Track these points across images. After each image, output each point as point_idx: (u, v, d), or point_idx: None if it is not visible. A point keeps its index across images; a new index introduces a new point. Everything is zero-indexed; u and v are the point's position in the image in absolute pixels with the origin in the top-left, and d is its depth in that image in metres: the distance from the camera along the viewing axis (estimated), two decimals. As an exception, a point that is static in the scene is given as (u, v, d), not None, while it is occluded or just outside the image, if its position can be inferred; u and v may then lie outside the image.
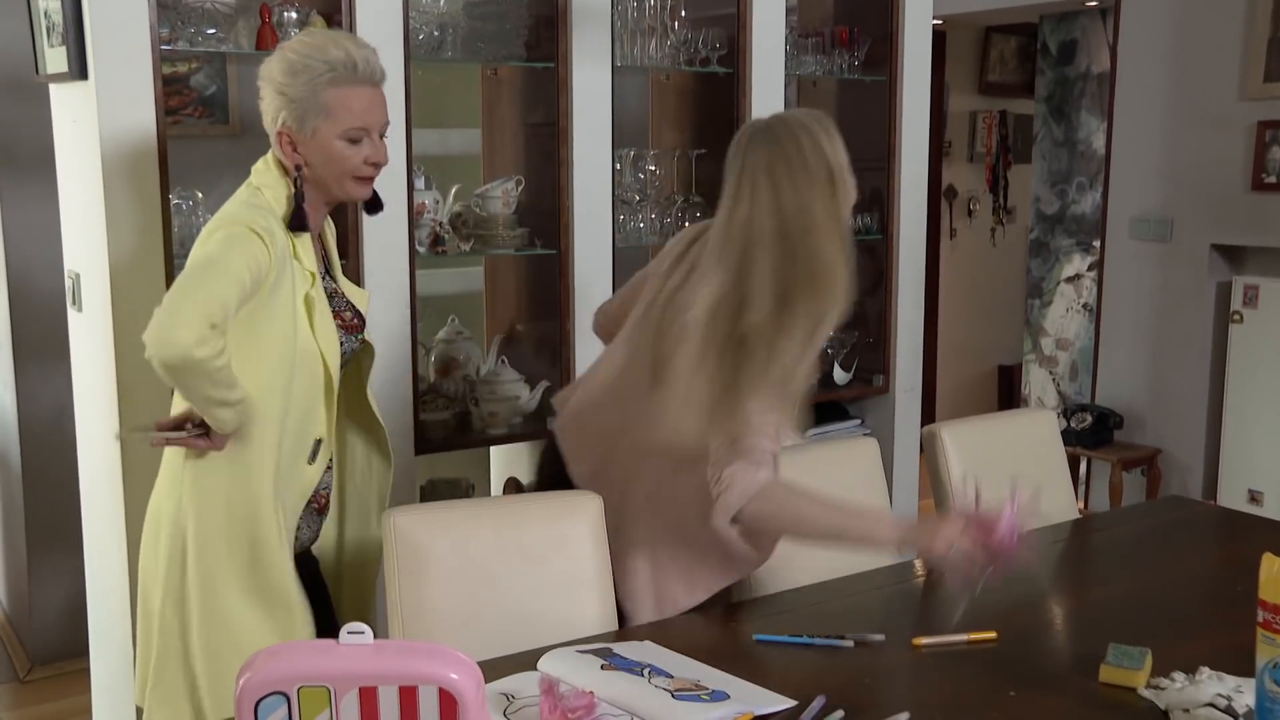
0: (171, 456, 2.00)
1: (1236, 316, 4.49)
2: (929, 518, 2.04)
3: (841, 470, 2.38)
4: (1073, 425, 4.84)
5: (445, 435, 2.95)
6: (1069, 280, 5.52)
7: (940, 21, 5.83)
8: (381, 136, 2.03)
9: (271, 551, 1.97)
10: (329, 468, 2.14)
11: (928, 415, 6.34)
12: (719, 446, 1.92)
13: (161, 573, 1.97)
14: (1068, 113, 5.47)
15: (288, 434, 1.99)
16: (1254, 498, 4.45)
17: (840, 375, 3.61)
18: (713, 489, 1.92)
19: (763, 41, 3.24)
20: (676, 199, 3.35)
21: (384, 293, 2.75)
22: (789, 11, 3.46)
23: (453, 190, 2.99)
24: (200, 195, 2.74)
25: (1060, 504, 2.69)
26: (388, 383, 2.76)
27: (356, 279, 2.73)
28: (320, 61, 1.94)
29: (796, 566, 2.21)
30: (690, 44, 3.23)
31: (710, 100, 3.38)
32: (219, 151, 3.72)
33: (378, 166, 2.03)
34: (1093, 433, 4.79)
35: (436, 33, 2.83)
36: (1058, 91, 5.51)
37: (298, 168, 1.98)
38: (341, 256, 2.74)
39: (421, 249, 2.88)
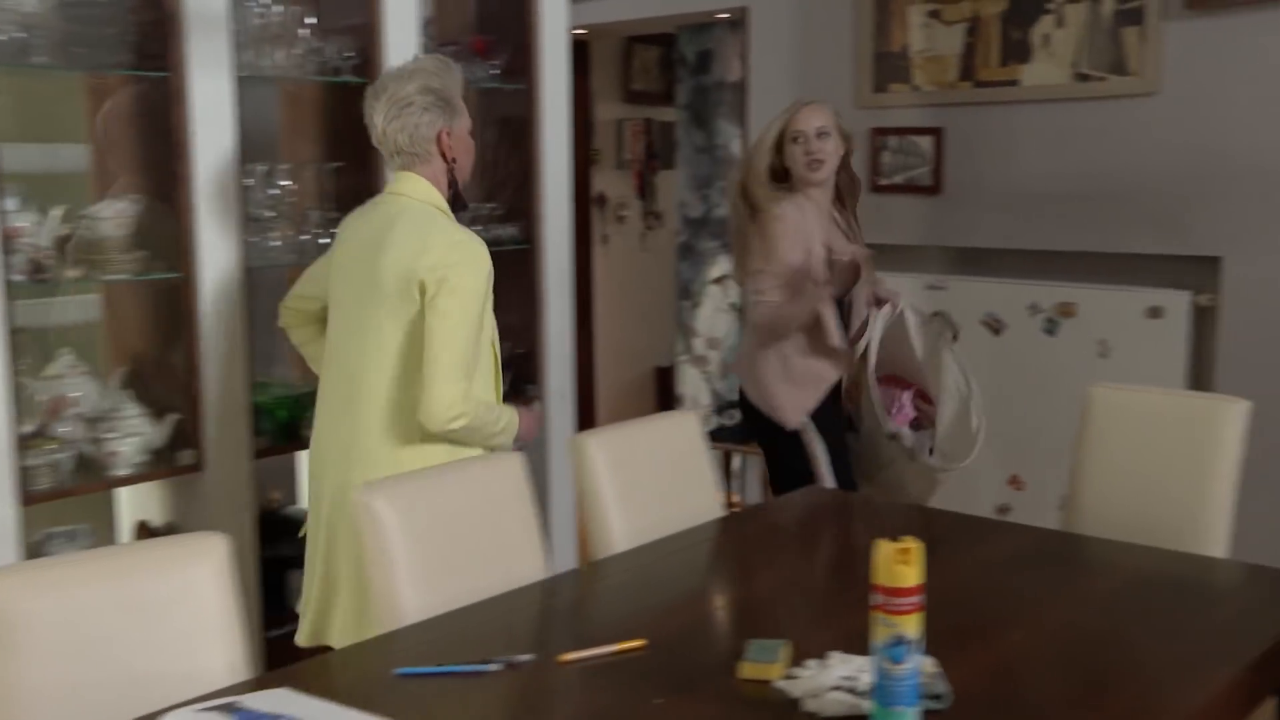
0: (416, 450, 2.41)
1: (865, 309, 4.82)
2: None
3: (487, 488, 2.33)
4: (724, 422, 5.04)
5: (58, 481, 2.67)
6: (715, 281, 5.75)
7: (584, 31, 5.93)
8: None
9: None
10: None
11: (589, 420, 6.44)
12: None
13: None
14: (707, 120, 5.70)
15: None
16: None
17: (495, 387, 3.57)
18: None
19: (397, 51, 3.14)
20: (312, 214, 3.20)
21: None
22: (428, 22, 3.40)
23: (54, 212, 2.72)
24: None
25: (704, 504, 2.76)
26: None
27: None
28: (455, 73, 2.51)
29: (441, 591, 2.15)
30: (320, 53, 3.10)
31: (345, 111, 3.25)
32: None
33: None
34: (742, 428, 5.00)
35: (23, 35, 2.56)
36: (697, 99, 5.73)
37: (453, 161, 2.50)
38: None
39: (20, 277, 2.60)
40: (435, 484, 2.26)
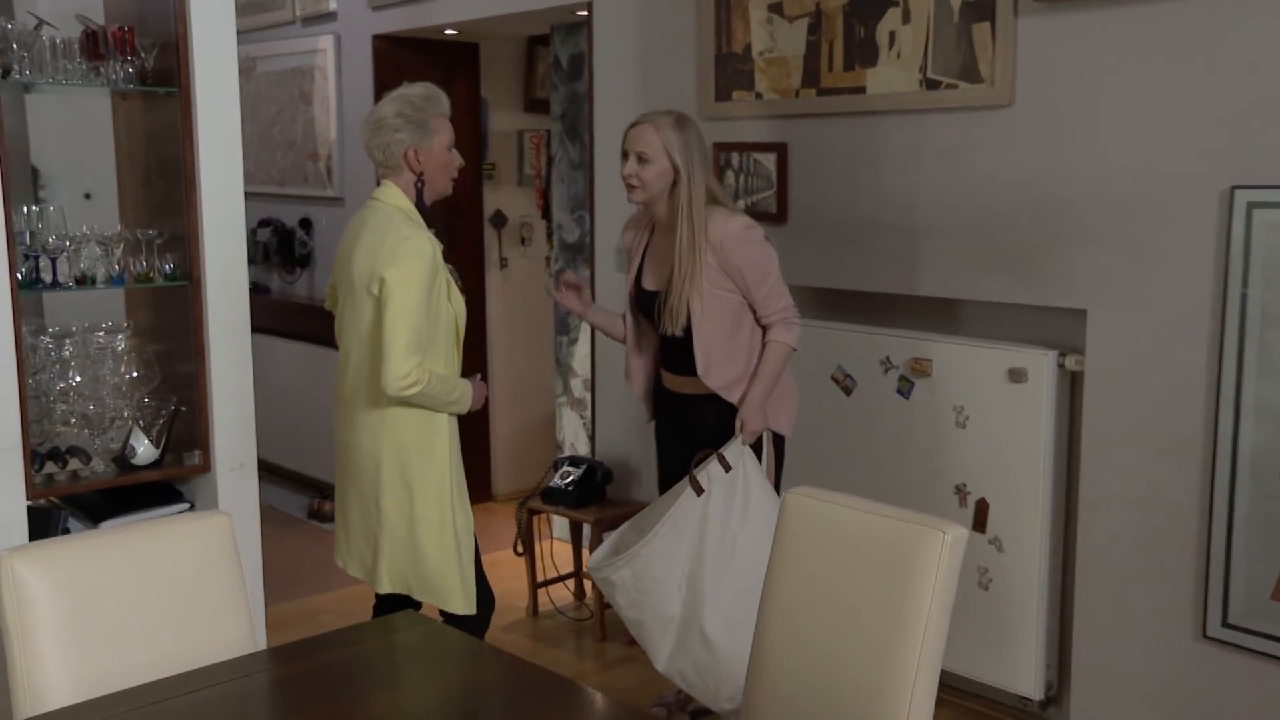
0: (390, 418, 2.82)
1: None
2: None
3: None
4: (558, 481, 4.34)
5: None
6: (592, 315, 5.03)
7: (455, 31, 5.29)
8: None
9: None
10: None
11: (484, 467, 5.75)
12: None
13: (434, 490, 2.83)
14: (580, 132, 4.99)
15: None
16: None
17: (146, 452, 2.95)
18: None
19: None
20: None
21: None
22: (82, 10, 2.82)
23: None
24: None
25: (237, 635, 2.10)
26: None
27: None
28: (437, 102, 2.86)
29: None
30: None
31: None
32: None
33: (460, 169, 2.96)
34: (579, 489, 4.30)
35: None
36: (570, 109, 5.02)
37: (421, 175, 2.84)
38: None
39: None
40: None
